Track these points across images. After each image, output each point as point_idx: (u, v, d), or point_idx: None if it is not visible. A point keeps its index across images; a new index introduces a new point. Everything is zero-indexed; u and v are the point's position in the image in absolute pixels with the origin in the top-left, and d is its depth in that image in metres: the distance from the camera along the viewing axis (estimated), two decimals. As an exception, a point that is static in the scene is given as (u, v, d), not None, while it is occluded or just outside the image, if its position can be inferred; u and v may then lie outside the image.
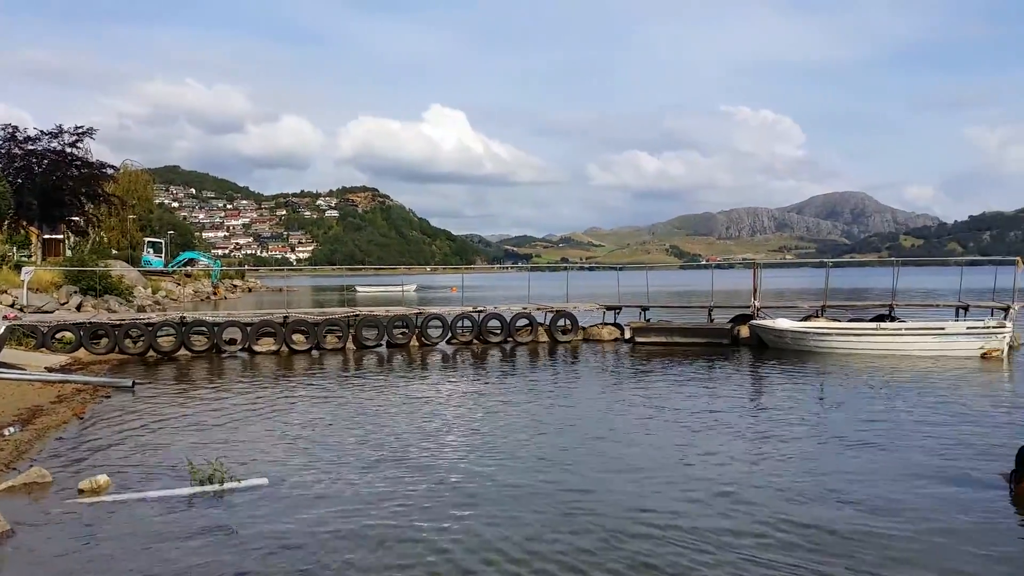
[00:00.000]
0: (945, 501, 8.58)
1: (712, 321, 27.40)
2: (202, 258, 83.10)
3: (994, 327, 21.46)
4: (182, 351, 23.43)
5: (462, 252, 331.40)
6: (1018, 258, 24.65)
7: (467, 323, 26.67)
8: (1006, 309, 23.47)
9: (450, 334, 26.12)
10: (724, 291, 41.10)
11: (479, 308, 27.58)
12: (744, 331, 25.36)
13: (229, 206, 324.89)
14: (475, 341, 26.14)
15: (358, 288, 72.31)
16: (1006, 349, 21.02)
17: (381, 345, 25.14)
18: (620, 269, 39.49)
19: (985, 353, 20.77)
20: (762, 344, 24.18)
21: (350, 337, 24.91)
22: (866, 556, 7.00)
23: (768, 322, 24.54)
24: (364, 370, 20.54)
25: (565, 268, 37.02)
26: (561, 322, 26.98)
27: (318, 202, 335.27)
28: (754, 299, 26.07)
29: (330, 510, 8.41)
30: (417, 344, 25.55)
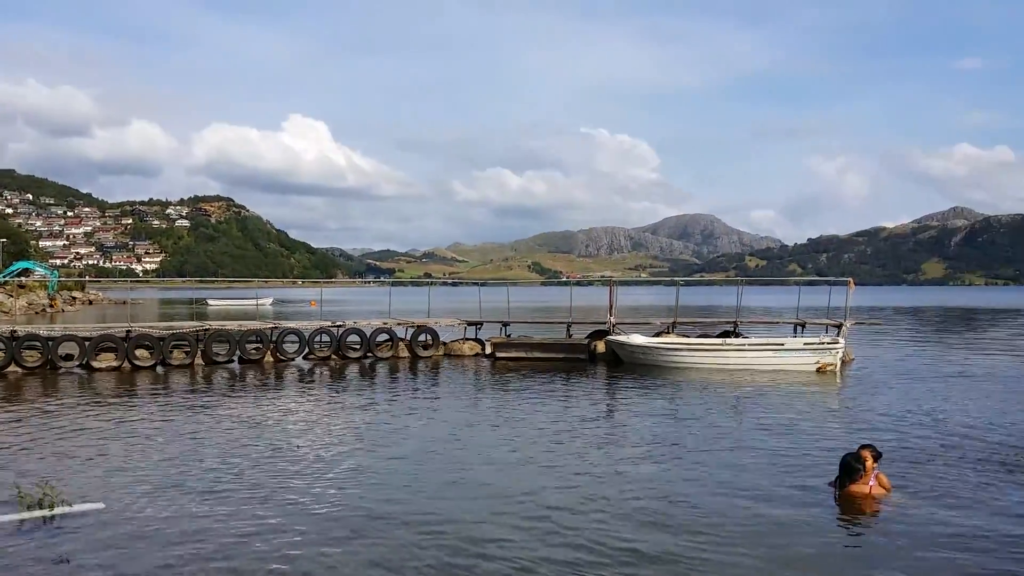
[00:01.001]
0: (776, 507, 9.01)
1: (570, 337, 27.94)
2: (38, 268, 77.48)
3: (828, 343, 22.96)
4: (12, 368, 21.68)
5: (322, 265, 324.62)
6: (850, 279, 26.53)
7: (325, 338, 26.04)
8: (839, 326, 25.15)
9: (307, 349, 25.43)
10: (583, 307, 42.09)
11: (338, 323, 27.00)
12: (601, 346, 26.03)
13: (70, 213, 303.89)
14: (334, 356, 25.56)
15: (210, 301, 69.46)
16: (839, 363, 22.52)
17: (233, 361, 24.17)
18: (482, 285, 39.81)
19: (820, 367, 22.19)
20: (617, 359, 24.87)
21: (199, 353, 23.78)
22: (694, 562, 7.27)
23: (623, 338, 25.28)
24: (213, 388, 19.64)
25: (428, 283, 36.89)
26: (422, 337, 26.81)
27: (168, 211, 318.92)
28: (610, 315, 26.79)
29: (170, 536, 7.94)
30: (272, 360, 24.72)
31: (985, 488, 9.72)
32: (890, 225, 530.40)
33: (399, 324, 27.43)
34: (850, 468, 9.32)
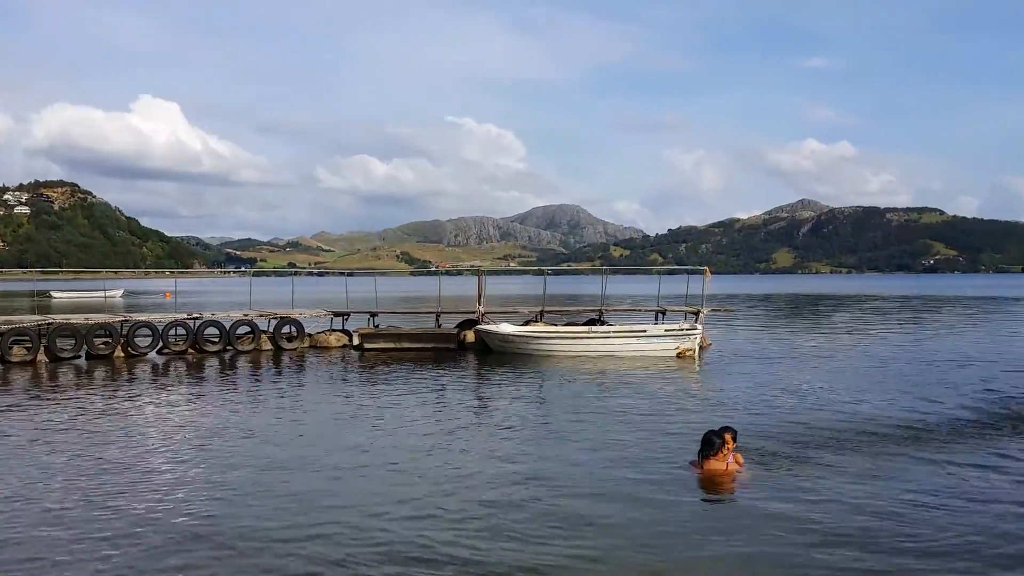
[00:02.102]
0: (641, 485, 9.28)
1: (440, 326, 27.83)
2: None
3: (687, 329, 23.86)
4: None
5: (178, 255, 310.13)
6: (706, 268, 27.65)
7: (181, 331, 24.83)
8: (697, 313, 26.15)
9: (161, 343, 24.19)
10: (452, 297, 42.04)
11: (195, 315, 25.81)
12: (470, 336, 26.04)
13: None
14: (190, 351, 24.43)
15: (53, 293, 65.49)
16: (697, 349, 23.44)
17: (80, 357, 22.68)
18: (349, 275, 39.00)
19: (680, 352, 23.03)
20: (487, 348, 24.95)
21: (41, 348, 22.19)
22: (558, 539, 7.36)
23: (492, 327, 25.37)
24: (57, 385, 18.35)
25: (292, 273, 35.76)
26: (286, 329, 26.01)
27: (5, 197, 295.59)
28: (479, 305, 26.84)
29: (3, 557, 7.32)
30: (123, 355, 23.35)
31: (831, 461, 10.31)
32: (743, 216, 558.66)
33: (261, 316, 26.50)
34: (710, 442, 9.80)
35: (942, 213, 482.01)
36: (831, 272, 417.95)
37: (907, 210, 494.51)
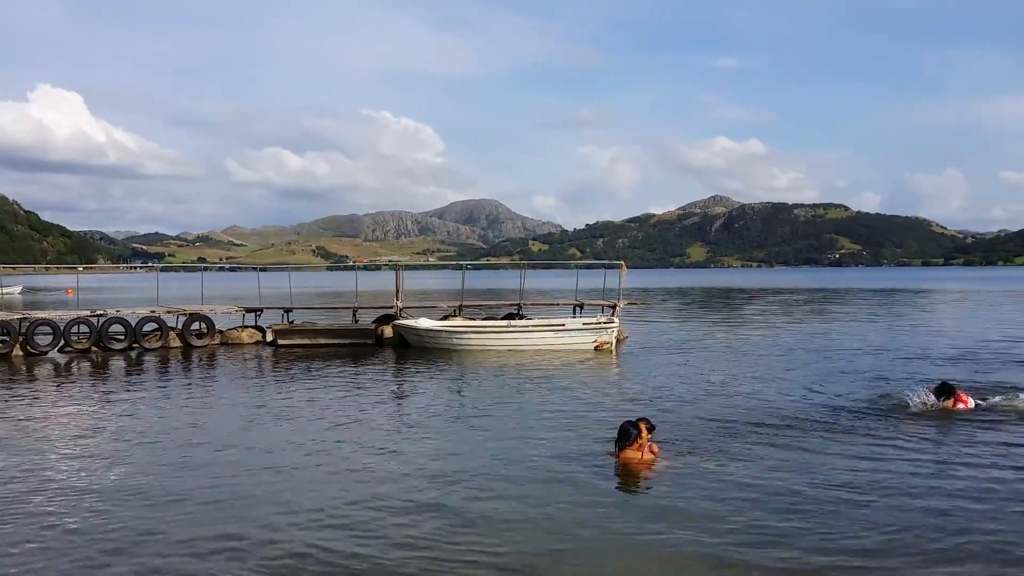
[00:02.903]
0: (558, 477, 9.34)
1: (357, 322, 27.47)
2: None
3: (604, 323, 24.13)
4: None
5: (81, 250, 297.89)
6: (622, 262, 28.02)
7: (84, 329, 23.81)
8: (614, 307, 26.49)
9: (63, 341, 23.15)
10: (369, 292, 41.51)
11: (99, 312, 24.79)
12: (388, 331, 25.76)
13: None
14: (94, 349, 23.46)
15: (-55, 290, 62.04)
16: (614, 342, 23.73)
17: (-28, 357, 21.51)
18: (262, 270, 38.08)
19: (597, 346, 23.28)
20: (405, 343, 24.72)
21: (-71, 348, 20.96)
22: (472, 539, 7.31)
23: (410, 322, 25.16)
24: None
25: (202, 268, 34.73)
26: (196, 326, 25.22)
27: None
28: (397, 300, 26.58)
29: None
30: (21, 354, 22.28)
31: (743, 450, 10.56)
32: (658, 212, 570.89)
33: (169, 312, 25.64)
34: (627, 433, 9.95)
35: (847, 209, 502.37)
36: (742, 266, 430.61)
37: (814, 206, 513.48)
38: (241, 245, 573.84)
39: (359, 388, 16.74)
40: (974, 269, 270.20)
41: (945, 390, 13.01)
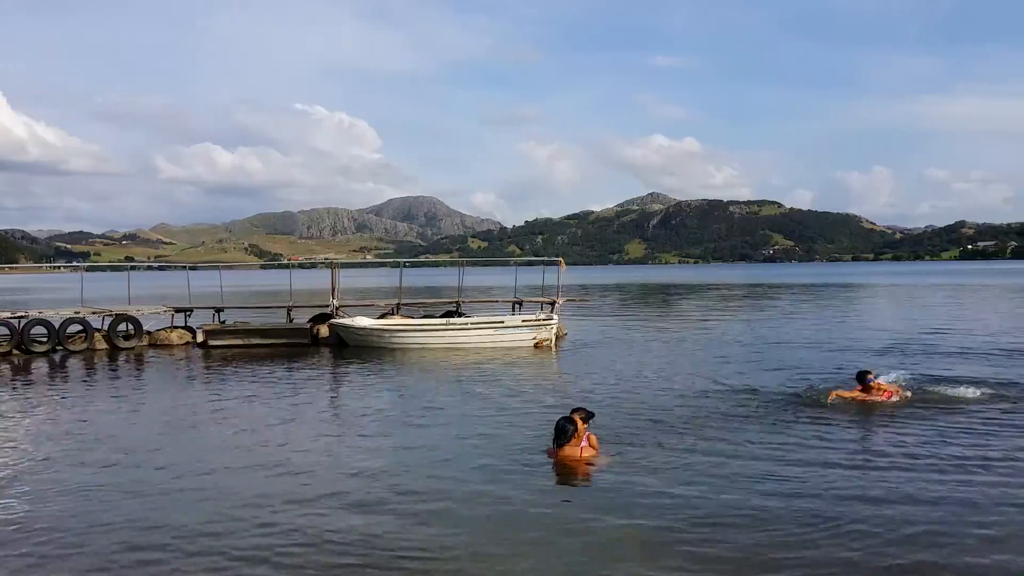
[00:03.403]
0: (498, 475, 9.21)
1: (291, 321, 26.89)
2: None
3: (544, 320, 24.05)
4: None
5: (1, 250, 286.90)
6: (560, 259, 28.01)
7: (4, 331, 22.81)
8: (553, 303, 26.44)
9: (-21, 345, 22.10)
10: (305, 291, 40.81)
11: (20, 313, 23.77)
12: (324, 330, 25.25)
13: None
14: (15, 351, 22.47)
15: None
16: (553, 338, 23.68)
17: None
18: (192, 268, 37.07)
19: (537, 342, 23.19)
20: (342, 342, 24.27)
21: None
22: (411, 539, 7.12)
23: (347, 320, 24.71)
24: None
25: (129, 267, 33.64)
26: (122, 327, 24.37)
27: None
28: (333, 298, 26.09)
29: None
30: (-67, 359, 21.16)
31: (681, 442, 10.56)
32: (597, 209, 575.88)
33: (94, 313, 24.74)
34: (563, 430, 9.83)
35: (780, 206, 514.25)
36: (679, 262, 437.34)
37: (748, 203, 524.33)
38: (170, 243, 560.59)
39: (294, 389, 16.30)
40: (902, 264, 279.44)
41: (863, 378, 13.27)
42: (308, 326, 25.65)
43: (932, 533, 7.21)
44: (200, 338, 24.84)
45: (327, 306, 26.52)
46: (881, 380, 13.79)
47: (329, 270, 27.66)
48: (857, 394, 13.19)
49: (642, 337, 26.17)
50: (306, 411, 13.75)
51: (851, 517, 7.63)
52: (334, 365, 20.31)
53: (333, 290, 26.28)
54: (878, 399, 13.01)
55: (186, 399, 15.29)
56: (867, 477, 9.00)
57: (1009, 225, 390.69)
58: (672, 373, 17.37)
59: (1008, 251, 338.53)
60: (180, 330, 25.68)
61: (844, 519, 7.58)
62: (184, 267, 35.04)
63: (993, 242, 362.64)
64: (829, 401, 13.19)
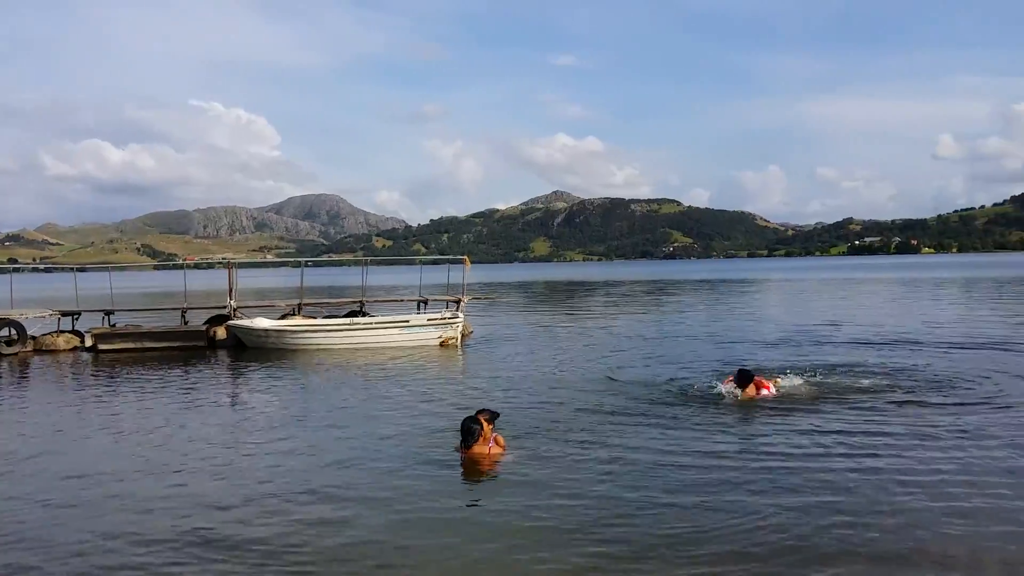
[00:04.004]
0: (405, 475, 9.16)
1: (186, 323, 25.99)
2: None
3: (449, 318, 23.98)
4: None
5: None
6: (465, 257, 28.00)
7: None
8: (458, 301, 26.40)
9: None
10: (201, 292, 39.55)
11: None
12: (221, 332, 24.49)
13: None
14: None
15: None
16: (459, 337, 23.63)
17: None
18: (80, 270, 35.45)
19: (443, 341, 23.11)
20: (241, 345, 23.60)
21: None
22: (314, 545, 7.00)
23: (246, 322, 24.05)
24: None
25: (12, 269, 31.91)
26: (4, 332, 23.06)
27: None
28: (230, 299, 25.34)
29: None
30: None
31: (590, 434, 10.74)
32: (502, 207, 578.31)
33: (-28, 318, 23.26)
34: (470, 431, 9.82)
35: (679, 204, 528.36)
36: (584, 260, 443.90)
37: (648, 201, 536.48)
38: (58, 244, 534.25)
39: (190, 393, 15.75)
40: (795, 259, 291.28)
41: (744, 377, 13.47)
42: (204, 328, 24.83)
43: (838, 522, 7.51)
44: (89, 342, 23.72)
45: (224, 307, 25.74)
46: (759, 375, 14.01)
47: (226, 270, 26.85)
48: (741, 391, 13.43)
49: (547, 334, 26.42)
50: (202, 416, 13.30)
51: (751, 508, 7.89)
52: (232, 368, 19.74)
53: (231, 291, 25.52)
54: (759, 394, 13.29)
55: (73, 406, 14.55)
56: (759, 468, 9.29)
57: (893, 222, 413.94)
58: (576, 369, 17.59)
59: (892, 247, 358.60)
60: (67, 334, 24.46)
61: (742, 511, 7.82)
62: (72, 269, 33.40)
63: (879, 238, 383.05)
64: (720, 393, 13.49)
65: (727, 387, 13.62)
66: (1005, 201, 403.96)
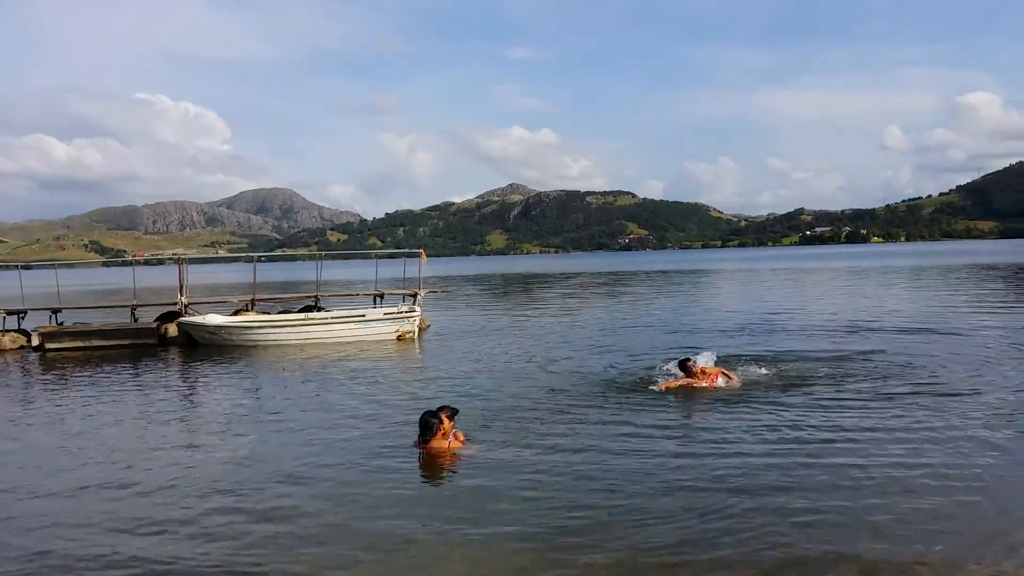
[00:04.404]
0: (363, 470, 9.11)
1: (136, 321, 25.46)
2: None
3: (406, 312, 23.82)
4: None
5: None
6: (421, 251, 27.85)
7: None
8: (415, 295, 26.25)
9: None
10: (150, 288, 38.82)
11: None
12: (172, 329, 24.02)
13: None
14: None
15: None
16: (416, 331, 23.50)
17: None
18: (25, 268, 34.57)
19: (400, 335, 22.95)
20: (193, 342, 23.18)
21: None
22: (271, 544, 6.89)
23: (197, 319, 23.63)
24: None
25: (-48, 268, 30.96)
26: (-56, 332, 22.31)
27: None
28: (181, 295, 24.87)
29: None
30: None
31: (549, 428, 10.74)
32: (458, 200, 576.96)
33: (-90, 318, 22.50)
34: (428, 425, 9.78)
35: (634, 196, 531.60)
36: (540, 252, 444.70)
37: (604, 193, 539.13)
38: (2, 242, 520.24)
39: (141, 392, 15.41)
40: (747, 250, 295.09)
41: (684, 367, 13.65)
42: (155, 325, 24.33)
43: (800, 517, 7.60)
44: (36, 341, 23.11)
45: (175, 304, 25.27)
46: (701, 363, 14.03)
47: (177, 266, 26.35)
48: (684, 382, 13.52)
49: (504, 326, 26.38)
50: (153, 415, 13.02)
51: (706, 503, 7.96)
52: (184, 366, 19.36)
53: (181, 287, 25.07)
54: (704, 383, 13.38)
55: (20, 407, 14.15)
56: (714, 460, 9.37)
57: (843, 212, 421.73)
58: (532, 362, 17.57)
59: (843, 236, 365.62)
60: (13, 334, 23.79)
61: (695, 507, 7.88)
62: (16, 266, 32.49)
63: (829, 228, 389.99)
64: (661, 390, 13.44)
65: (668, 383, 13.58)
66: (951, 191, 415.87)
